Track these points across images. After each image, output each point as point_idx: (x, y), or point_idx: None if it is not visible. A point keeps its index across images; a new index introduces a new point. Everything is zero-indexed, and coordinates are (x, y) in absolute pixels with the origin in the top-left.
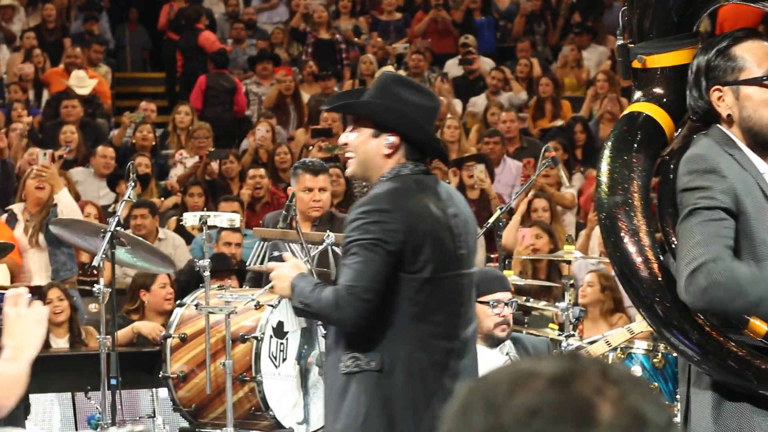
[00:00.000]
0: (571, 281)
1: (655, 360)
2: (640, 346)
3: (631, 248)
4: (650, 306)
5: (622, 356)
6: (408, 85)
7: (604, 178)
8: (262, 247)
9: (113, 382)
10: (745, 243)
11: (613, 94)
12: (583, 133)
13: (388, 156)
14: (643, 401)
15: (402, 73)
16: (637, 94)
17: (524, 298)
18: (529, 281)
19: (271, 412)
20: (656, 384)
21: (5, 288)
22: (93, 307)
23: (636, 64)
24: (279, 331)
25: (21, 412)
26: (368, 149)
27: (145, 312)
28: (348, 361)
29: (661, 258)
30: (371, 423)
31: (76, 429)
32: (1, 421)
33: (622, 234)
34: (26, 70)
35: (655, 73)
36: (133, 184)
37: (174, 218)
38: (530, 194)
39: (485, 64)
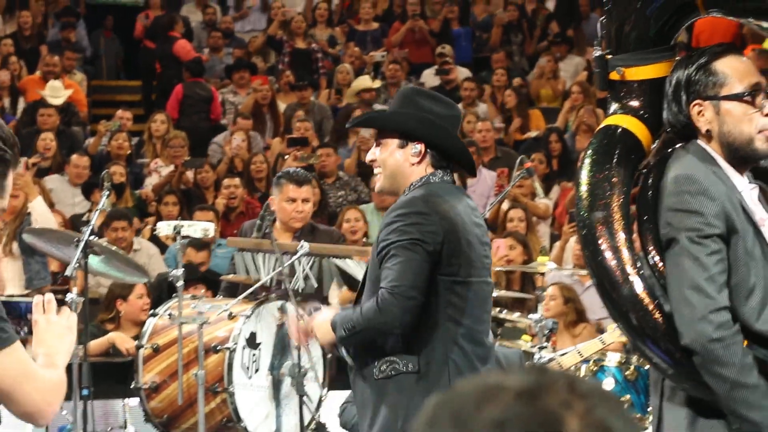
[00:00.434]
0: (545, 293)
1: (627, 372)
2: (613, 359)
3: (611, 262)
4: (627, 319)
5: (595, 368)
6: (429, 96)
7: (583, 192)
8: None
9: (85, 392)
10: (731, 262)
11: (589, 106)
12: (559, 144)
13: (416, 165)
14: (610, 415)
15: (378, 82)
16: (614, 106)
17: (497, 309)
18: (503, 293)
19: (242, 423)
20: (629, 396)
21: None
22: None
23: (614, 76)
24: (252, 342)
25: None
26: (396, 160)
27: (120, 322)
28: (383, 366)
29: (642, 274)
30: (412, 424)
31: None
32: None
33: (602, 247)
34: (2, 77)
35: (633, 86)
36: (107, 193)
37: (148, 227)
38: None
39: (462, 74)
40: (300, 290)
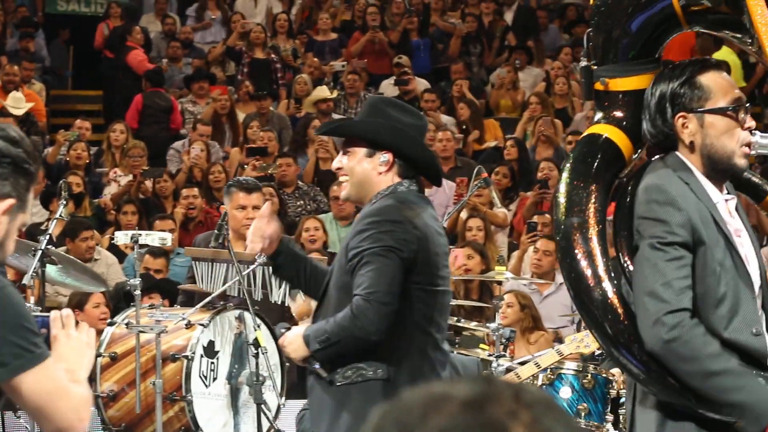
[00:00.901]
0: (502, 302)
1: (584, 381)
2: (570, 367)
3: (585, 269)
4: (600, 325)
5: (552, 377)
6: (397, 105)
7: (561, 199)
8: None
9: None
10: (698, 272)
11: (547, 117)
12: (517, 154)
13: (383, 174)
14: (556, 425)
15: (336, 92)
16: (598, 115)
17: (455, 318)
18: (461, 301)
19: None
20: (586, 405)
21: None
22: None
23: (599, 86)
24: (210, 351)
25: None
26: (364, 169)
27: None
28: (347, 372)
29: (615, 280)
30: None
31: None
32: None
33: (577, 255)
34: None
35: (617, 96)
36: (64, 202)
37: (107, 237)
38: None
39: (421, 84)
40: (258, 299)
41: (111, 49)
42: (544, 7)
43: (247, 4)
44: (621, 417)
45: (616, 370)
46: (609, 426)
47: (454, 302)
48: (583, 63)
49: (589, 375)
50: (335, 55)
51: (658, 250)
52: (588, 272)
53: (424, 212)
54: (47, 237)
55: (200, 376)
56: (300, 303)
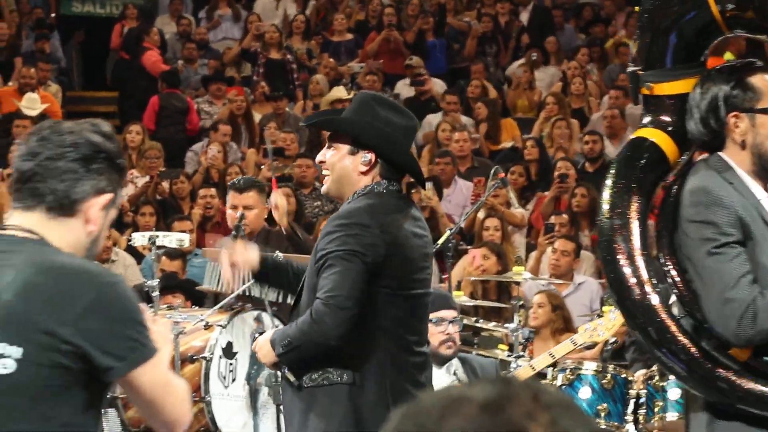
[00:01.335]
0: (521, 302)
1: (604, 381)
2: (590, 367)
3: (626, 270)
4: (643, 328)
5: (572, 377)
6: (386, 104)
7: (605, 201)
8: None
9: None
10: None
11: (563, 117)
12: (538, 155)
13: (364, 173)
14: (575, 426)
15: (353, 93)
16: (646, 119)
17: (474, 318)
18: (479, 302)
19: None
20: (605, 405)
21: None
22: None
23: (644, 91)
24: (228, 352)
25: None
26: (344, 166)
27: None
28: (314, 375)
29: (654, 281)
30: None
31: None
32: None
33: (618, 256)
34: None
35: (663, 100)
36: None
37: (124, 238)
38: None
39: (437, 85)
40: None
41: (127, 51)
42: (560, 7)
43: (268, 6)
44: (641, 417)
45: (640, 372)
46: (629, 426)
47: (471, 303)
48: (631, 68)
49: (609, 375)
50: (351, 55)
51: (715, 255)
52: (628, 274)
53: (401, 214)
54: None
55: (219, 377)
56: None
